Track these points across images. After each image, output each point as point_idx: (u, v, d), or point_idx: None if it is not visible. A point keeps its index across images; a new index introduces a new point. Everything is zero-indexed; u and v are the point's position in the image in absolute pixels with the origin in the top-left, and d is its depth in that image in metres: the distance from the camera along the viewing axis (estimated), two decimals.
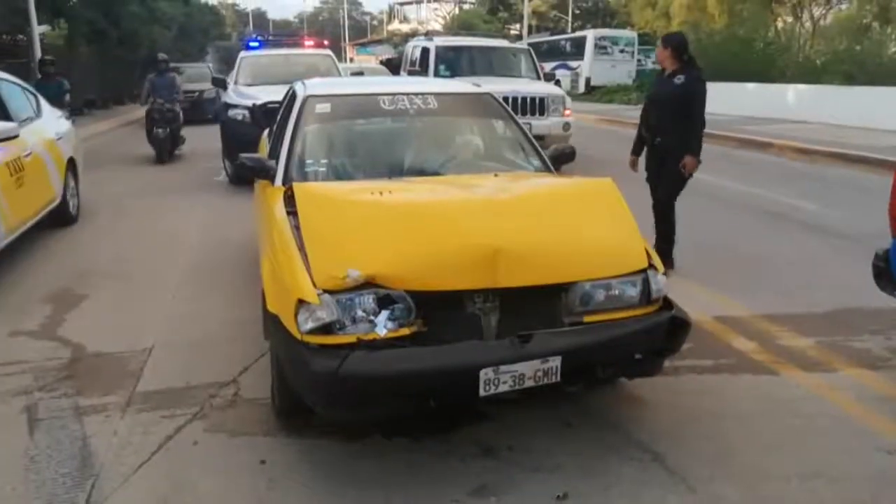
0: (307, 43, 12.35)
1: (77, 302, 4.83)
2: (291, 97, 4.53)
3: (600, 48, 31.78)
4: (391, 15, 75.30)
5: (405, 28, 58.25)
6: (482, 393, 2.67)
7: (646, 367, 3.11)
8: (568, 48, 33.43)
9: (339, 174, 3.80)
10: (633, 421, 3.28)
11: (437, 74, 10.90)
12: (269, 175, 3.78)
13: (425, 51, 11.57)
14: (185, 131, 12.79)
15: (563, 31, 40.32)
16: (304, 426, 3.14)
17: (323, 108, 4.10)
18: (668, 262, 5.40)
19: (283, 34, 17.74)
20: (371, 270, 2.70)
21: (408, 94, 4.16)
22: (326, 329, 2.65)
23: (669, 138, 5.34)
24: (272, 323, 2.89)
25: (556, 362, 2.71)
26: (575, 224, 3.07)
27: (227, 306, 4.70)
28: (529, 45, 34.57)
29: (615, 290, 2.95)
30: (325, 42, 13.42)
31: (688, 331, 3.05)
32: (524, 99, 9.92)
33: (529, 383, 2.71)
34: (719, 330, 4.41)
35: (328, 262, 2.75)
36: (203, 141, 13.65)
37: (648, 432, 3.17)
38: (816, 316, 4.67)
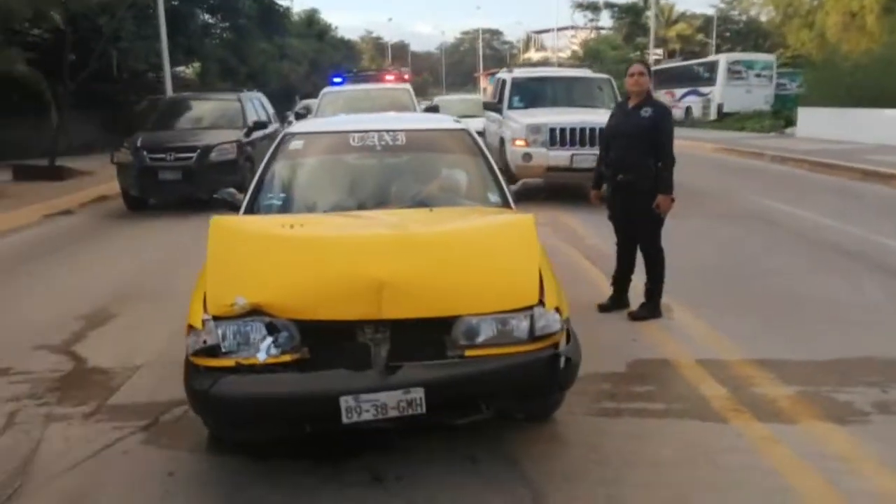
0: (388, 77, 12.92)
1: (105, 321, 5.39)
2: None
3: (734, 73, 30.42)
4: (528, 44, 76.10)
5: (537, 57, 58.52)
6: (345, 420, 2.79)
7: (534, 404, 3.10)
8: (699, 73, 32.30)
9: (290, 207, 4.05)
10: (539, 459, 3.25)
11: (510, 106, 11.03)
12: (236, 208, 4.10)
13: (503, 83, 11.74)
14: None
15: (703, 55, 38.91)
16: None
17: (296, 144, 4.40)
18: (658, 307, 5.21)
19: (368, 71, 18.23)
20: (257, 299, 2.91)
21: (378, 131, 4.36)
22: (211, 352, 2.89)
23: (633, 175, 5.03)
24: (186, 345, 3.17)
25: (418, 394, 2.78)
26: (469, 259, 3.12)
27: None
28: (658, 70, 33.54)
29: (503, 326, 2.98)
30: (406, 77, 13.93)
31: (571, 369, 3.01)
32: (592, 130, 9.80)
33: (393, 413, 2.80)
34: (694, 373, 4.22)
35: (222, 290, 2.98)
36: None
37: (545, 472, 3.14)
38: (814, 363, 4.35)
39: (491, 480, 3.09)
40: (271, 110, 13.02)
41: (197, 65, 18.42)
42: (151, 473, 3.20)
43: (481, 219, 3.72)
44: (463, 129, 4.64)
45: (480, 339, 2.96)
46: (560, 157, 9.58)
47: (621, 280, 5.43)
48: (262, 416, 2.91)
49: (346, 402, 2.76)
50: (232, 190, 4.32)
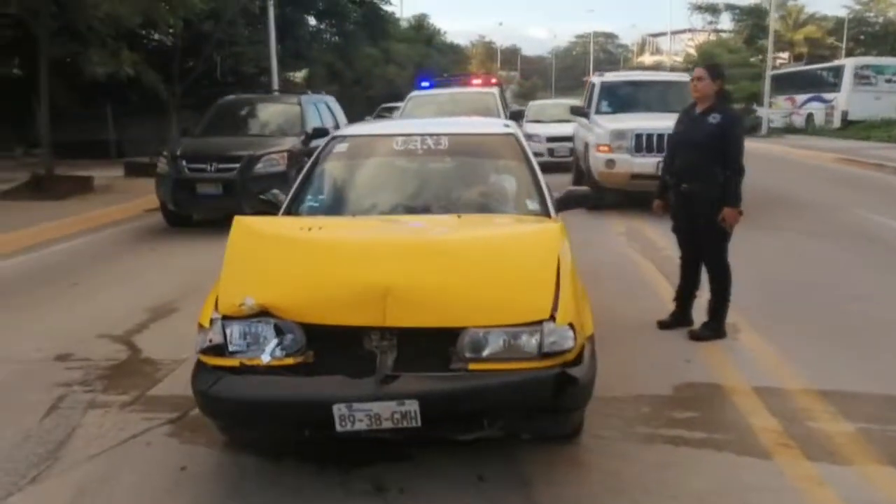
0: (475, 82, 12.89)
1: (168, 314, 5.60)
2: None
3: (861, 78, 28.32)
4: (643, 47, 74.09)
5: (650, 60, 56.80)
6: (339, 428, 2.73)
7: (544, 424, 2.94)
8: (823, 78, 30.34)
9: (326, 210, 4.07)
10: (551, 483, 3.08)
11: (598, 111, 10.70)
12: (277, 209, 4.15)
13: (592, 86, 11.41)
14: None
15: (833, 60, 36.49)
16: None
17: (341, 147, 4.43)
18: (722, 327, 4.86)
19: (456, 75, 18.01)
20: (265, 300, 2.92)
21: (421, 136, 4.32)
22: (217, 351, 2.92)
23: (698, 185, 4.71)
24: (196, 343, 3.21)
25: (413, 406, 2.69)
26: (480, 269, 3.00)
27: None
28: (777, 76, 31.64)
29: (510, 340, 2.85)
30: (493, 80, 13.82)
31: (580, 391, 2.82)
32: None
33: (387, 424, 2.73)
34: (747, 402, 3.90)
35: (233, 290, 3.01)
36: None
37: (554, 496, 2.98)
38: (887, 399, 3.93)
39: (496, 501, 2.96)
40: (342, 117, 11.70)
41: (305, 70, 19.09)
42: (166, 466, 3.27)
43: (503, 227, 3.59)
44: (510, 135, 4.51)
45: (486, 352, 2.84)
46: (646, 164, 9.18)
47: (684, 296, 5.12)
48: (258, 419, 2.91)
49: (339, 409, 2.71)
50: (276, 191, 4.39)
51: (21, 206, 10.43)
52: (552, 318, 2.85)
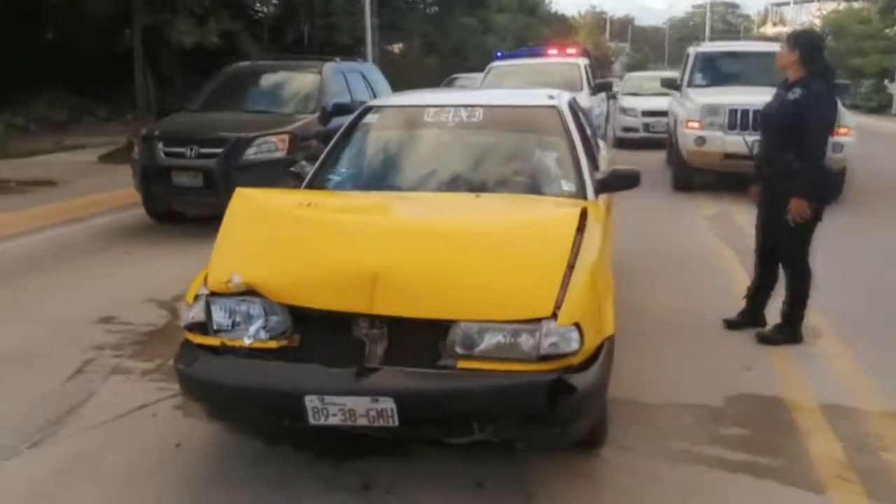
0: (554, 52, 12.38)
1: None
2: None
3: None
4: (765, 17, 69.45)
5: (772, 31, 53.22)
6: (311, 421, 2.54)
7: (537, 433, 2.64)
8: None
9: (347, 184, 3.88)
10: (556, 498, 2.79)
11: (691, 83, 9.93)
12: (301, 181, 3.98)
13: (687, 57, 10.61)
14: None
15: None
16: None
17: (371, 118, 4.21)
18: (797, 331, 4.33)
19: (542, 45, 17.16)
20: (251, 279, 2.76)
21: (454, 107, 4.04)
22: (202, 328, 2.78)
23: (774, 169, 4.15)
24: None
25: (389, 404, 2.45)
26: (479, 257, 2.71)
27: None
28: None
29: (505, 338, 2.55)
30: (579, 50, 13.15)
31: (580, 401, 2.48)
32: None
33: (363, 421, 2.51)
34: (810, 421, 3.42)
35: (223, 265, 2.87)
36: None
37: None
38: None
39: None
40: (384, 89, 9.50)
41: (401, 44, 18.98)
42: (163, 440, 3.21)
43: (517, 211, 3.27)
44: (552, 107, 4.12)
45: (478, 350, 2.56)
46: (741, 143, 8.42)
47: (758, 294, 4.59)
48: (232, 404, 2.77)
49: (311, 401, 2.50)
50: (304, 163, 4.23)
51: (110, 169, 10.85)
52: (554, 315, 2.53)
